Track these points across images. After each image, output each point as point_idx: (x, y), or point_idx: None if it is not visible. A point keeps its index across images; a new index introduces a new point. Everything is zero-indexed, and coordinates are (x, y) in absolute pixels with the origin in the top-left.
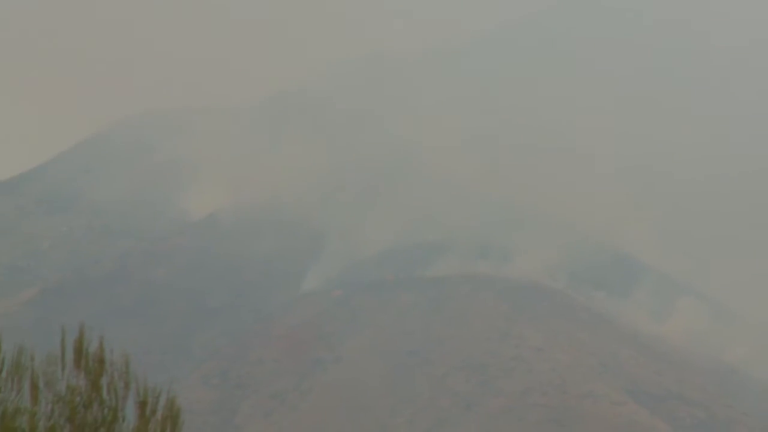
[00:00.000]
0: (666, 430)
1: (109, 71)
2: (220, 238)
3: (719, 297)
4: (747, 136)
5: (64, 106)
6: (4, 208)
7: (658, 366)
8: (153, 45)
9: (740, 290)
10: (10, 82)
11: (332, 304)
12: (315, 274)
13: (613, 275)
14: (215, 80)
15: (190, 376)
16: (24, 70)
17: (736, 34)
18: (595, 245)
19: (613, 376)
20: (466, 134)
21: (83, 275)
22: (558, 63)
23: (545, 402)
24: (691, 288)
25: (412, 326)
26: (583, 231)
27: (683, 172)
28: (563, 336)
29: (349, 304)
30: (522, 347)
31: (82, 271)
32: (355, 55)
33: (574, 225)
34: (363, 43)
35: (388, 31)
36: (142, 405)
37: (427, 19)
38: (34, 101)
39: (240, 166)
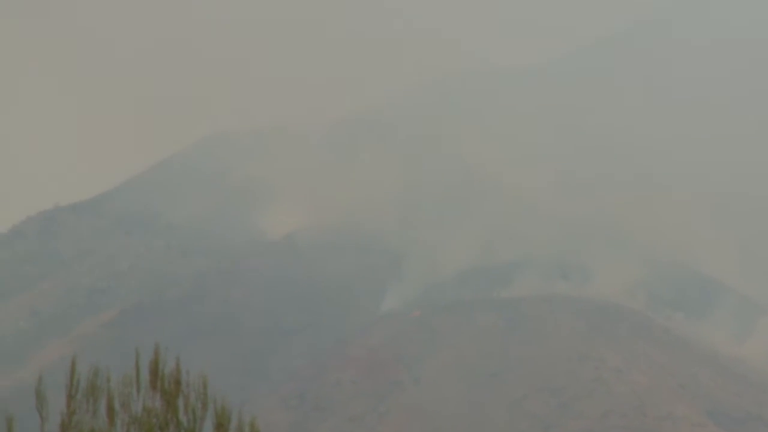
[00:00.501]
0: None
1: (186, 94)
2: (298, 258)
3: None
4: None
5: (142, 128)
6: (84, 230)
7: (738, 388)
8: (229, 68)
9: None
10: (92, 105)
11: (410, 325)
12: (393, 295)
13: (693, 296)
14: (291, 102)
15: (268, 398)
16: (104, 93)
17: None
18: (674, 266)
19: (693, 398)
20: (542, 153)
21: (161, 296)
22: (633, 87)
23: (625, 424)
24: None
25: (490, 347)
26: (663, 251)
27: (762, 191)
28: (642, 357)
29: (427, 325)
30: (601, 369)
31: (160, 291)
32: (427, 78)
33: (653, 245)
34: (435, 66)
35: (460, 52)
36: (219, 426)
37: (500, 39)
38: (114, 123)
39: (317, 187)
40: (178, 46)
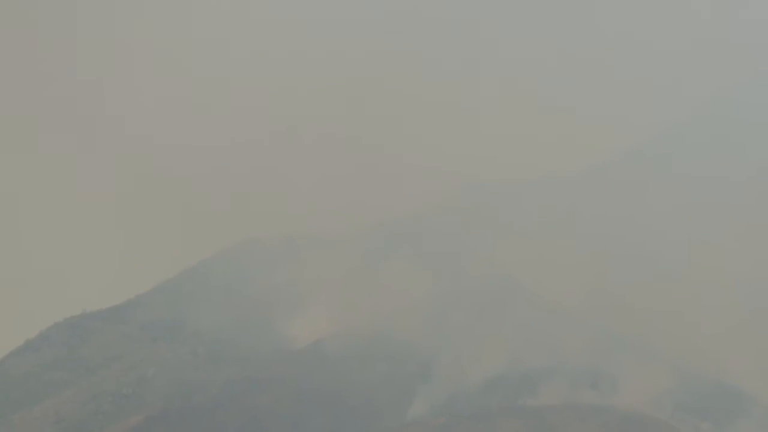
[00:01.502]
0: None
1: (211, 200)
2: (325, 365)
3: None
4: None
5: (168, 235)
6: (110, 336)
7: None
8: (254, 174)
9: None
10: (117, 214)
11: (438, 430)
12: (420, 402)
13: (720, 406)
14: (325, 210)
15: None
16: (134, 199)
17: None
18: (702, 375)
19: None
20: (573, 262)
21: (187, 402)
22: (666, 195)
23: None
24: None
25: None
26: (690, 361)
27: None
28: None
29: (454, 431)
30: None
31: (186, 398)
32: (459, 184)
33: (681, 355)
34: (468, 171)
35: (495, 158)
36: None
37: (532, 147)
38: (139, 231)
39: (345, 294)
40: (205, 153)
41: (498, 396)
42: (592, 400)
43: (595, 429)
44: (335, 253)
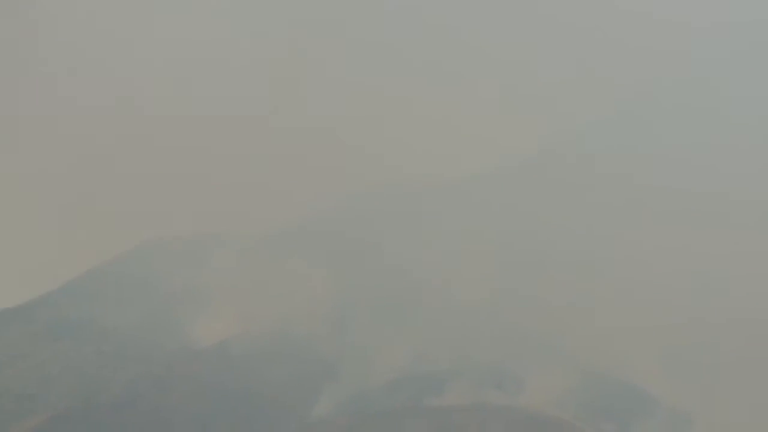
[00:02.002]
0: None
1: (118, 200)
2: (231, 364)
3: (730, 427)
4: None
5: (74, 234)
6: (15, 335)
7: None
8: (163, 172)
9: (753, 418)
10: (22, 213)
11: (342, 430)
12: (326, 402)
13: (623, 406)
14: (227, 209)
15: None
16: (36, 198)
17: None
18: (606, 375)
19: None
20: (480, 264)
21: (91, 402)
22: (575, 194)
23: None
24: (702, 419)
25: None
26: (595, 362)
27: (691, 302)
28: None
29: (359, 431)
30: None
31: (91, 397)
32: (369, 186)
33: (585, 356)
34: (379, 174)
35: (407, 161)
36: None
37: (444, 147)
38: (46, 229)
39: (251, 293)
40: (107, 158)
41: (403, 395)
42: (497, 400)
43: (500, 429)
44: (242, 253)
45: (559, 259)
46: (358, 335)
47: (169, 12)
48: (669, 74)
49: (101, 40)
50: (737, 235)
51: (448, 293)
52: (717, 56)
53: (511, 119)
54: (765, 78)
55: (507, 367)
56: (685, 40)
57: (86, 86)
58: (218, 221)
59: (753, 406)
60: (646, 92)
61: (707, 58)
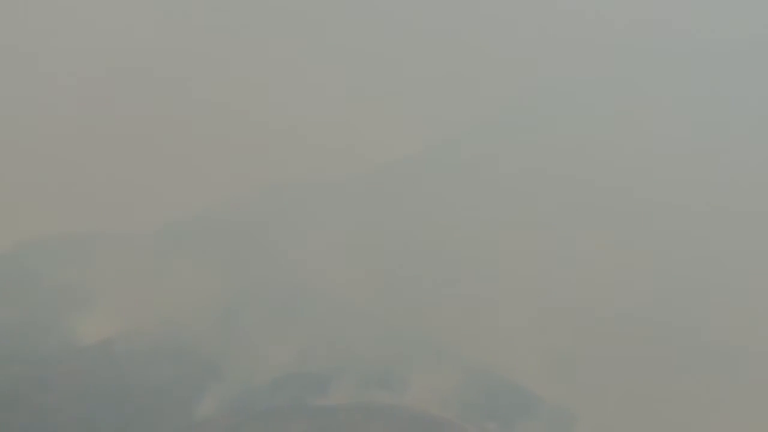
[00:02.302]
0: None
1: None
2: (114, 364)
3: (614, 424)
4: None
5: None
6: None
7: None
8: (47, 170)
9: (630, 424)
10: None
11: (225, 430)
12: (210, 401)
13: (507, 405)
14: (111, 207)
15: None
16: None
17: None
18: (490, 375)
19: None
20: (363, 260)
21: None
22: (463, 199)
23: None
24: (586, 417)
25: None
26: (479, 360)
27: (578, 300)
28: None
29: (241, 430)
30: None
31: None
32: (255, 185)
33: (470, 353)
34: (265, 173)
35: (294, 161)
36: None
37: (329, 147)
38: None
39: (135, 292)
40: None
41: (287, 395)
42: (382, 400)
43: (384, 428)
44: (126, 251)
45: (444, 259)
46: (242, 334)
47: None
48: (559, 74)
49: None
50: (624, 233)
51: (332, 293)
52: (620, 54)
53: (396, 118)
54: (668, 72)
55: (391, 367)
56: (586, 37)
57: None
58: (102, 219)
59: (635, 404)
60: (531, 94)
61: (607, 55)
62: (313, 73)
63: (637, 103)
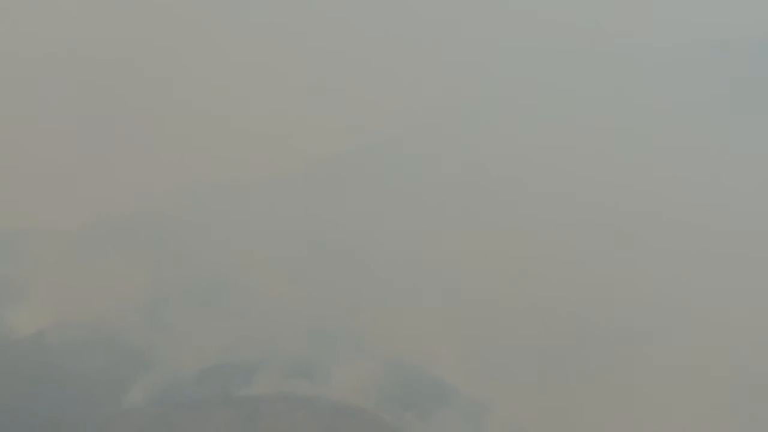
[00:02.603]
0: None
1: None
2: (45, 354)
3: (522, 420)
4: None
5: None
6: None
7: None
8: None
9: (540, 414)
10: None
11: (150, 420)
12: (138, 391)
13: (423, 396)
14: (41, 202)
15: None
16: None
17: None
18: (407, 366)
19: None
20: (288, 258)
21: None
22: (384, 199)
23: None
24: (498, 407)
25: None
26: (397, 352)
27: (491, 294)
28: None
29: (167, 420)
30: None
31: None
32: (181, 184)
33: (388, 346)
34: (190, 173)
35: (218, 160)
36: None
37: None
38: None
39: (67, 284)
40: None
41: (213, 385)
42: (304, 390)
43: (306, 418)
44: (58, 246)
45: (364, 255)
46: (170, 326)
47: None
48: (505, 75)
49: None
50: (537, 227)
51: (256, 287)
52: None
53: (316, 120)
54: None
55: (313, 359)
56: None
57: None
58: (33, 215)
59: (547, 394)
60: (475, 94)
61: (552, 56)
62: (248, 67)
63: (579, 104)
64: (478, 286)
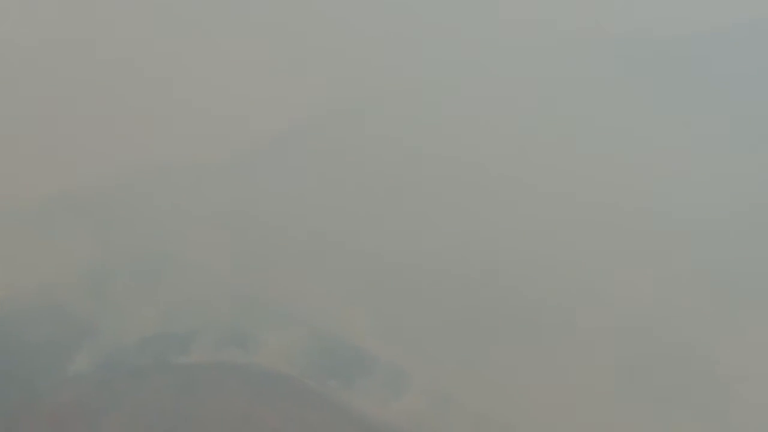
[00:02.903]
0: None
1: None
2: None
3: (441, 386)
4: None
5: None
6: None
7: None
8: None
9: (458, 379)
10: None
11: (95, 385)
12: (83, 358)
13: (346, 364)
14: None
15: None
16: None
17: None
18: (331, 337)
19: None
20: (219, 236)
21: None
22: (326, 177)
23: None
24: (418, 374)
25: (165, 407)
26: (321, 324)
27: (408, 269)
28: (297, 419)
29: (110, 385)
30: (261, 428)
31: None
32: (131, 163)
33: (313, 318)
34: (141, 152)
35: (179, 136)
36: None
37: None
38: None
39: (15, 259)
40: None
41: (153, 353)
42: (236, 358)
43: (238, 383)
44: (6, 221)
45: (295, 234)
46: (114, 298)
47: None
48: (439, 63)
49: None
50: (452, 200)
51: (196, 262)
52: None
53: (260, 97)
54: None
55: (245, 330)
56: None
57: None
58: None
59: (463, 362)
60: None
61: (487, 46)
62: (175, 47)
63: (513, 92)
64: (402, 261)
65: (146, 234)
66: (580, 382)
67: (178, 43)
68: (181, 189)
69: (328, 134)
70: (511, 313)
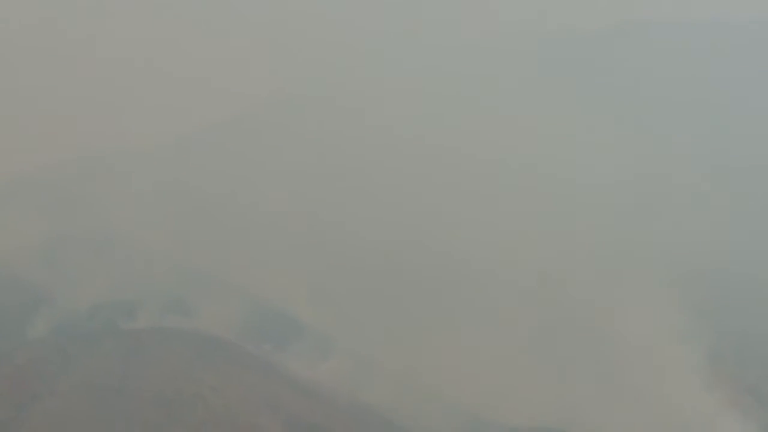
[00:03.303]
0: None
1: None
2: None
3: (364, 348)
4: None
5: None
6: None
7: (312, 402)
8: None
9: (383, 343)
10: None
11: (50, 349)
12: (40, 324)
13: (278, 330)
14: None
15: None
16: None
17: None
18: (264, 305)
19: (274, 411)
20: (163, 213)
21: None
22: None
23: None
24: (342, 340)
25: (114, 369)
26: (255, 292)
27: (333, 239)
28: (235, 379)
29: (64, 349)
30: (201, 386)
31: None
32: (87, 148)
33: (249, 285)
34: (91, 137)
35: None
36: None
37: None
38: None
39: None
40: None
41: (103, 319)
42: (178, 324)
43: (180, 347)
44: None
45: (235, 209)
46: (68, 269)
47: None
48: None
49: None
50: (383, 175)
51: (142, 237)
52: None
53: (211, 78)
54: None
55: (186, 297)
56: None
57: None
58: None
59: (384, 326)
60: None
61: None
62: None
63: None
64: (330, 234)
65: (96, 211)
66: (495, 343)
67: (130, 31)
68: (128, 171)
69: (262, 121)
70: (429, 280)
